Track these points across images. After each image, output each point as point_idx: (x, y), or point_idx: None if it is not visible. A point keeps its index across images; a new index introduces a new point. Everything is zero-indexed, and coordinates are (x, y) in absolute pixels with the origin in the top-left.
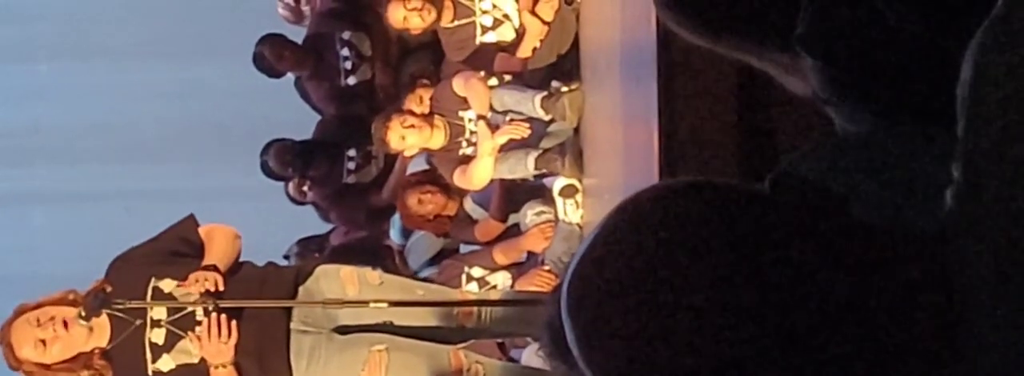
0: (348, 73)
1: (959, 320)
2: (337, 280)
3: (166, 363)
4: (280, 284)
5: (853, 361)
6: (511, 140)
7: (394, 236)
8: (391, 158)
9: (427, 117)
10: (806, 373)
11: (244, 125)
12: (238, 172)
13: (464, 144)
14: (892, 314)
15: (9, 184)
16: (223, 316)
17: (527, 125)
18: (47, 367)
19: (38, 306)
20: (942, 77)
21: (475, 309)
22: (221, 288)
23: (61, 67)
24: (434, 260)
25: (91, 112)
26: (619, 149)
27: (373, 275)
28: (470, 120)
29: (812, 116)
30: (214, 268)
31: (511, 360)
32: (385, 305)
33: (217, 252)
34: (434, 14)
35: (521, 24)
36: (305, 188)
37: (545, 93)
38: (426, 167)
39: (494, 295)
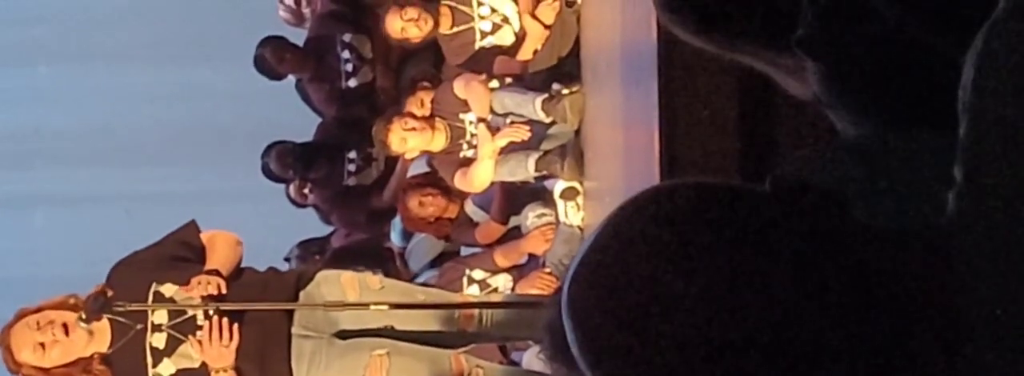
0: (349, 75)
1: (959, 321)
2: (338, 285)
3: (167, 367)
4: (281, 289)
5: (853, 362)
6: (512, 142)
7: (395, 238)
8: (392, 160)
9: (428, 119)
10: (806, 374)
11: (245, 127)
12: (239, 174)
13: (465, 146)
14: (892, 315)
15: (10, 187)
16: (225, 319)
17: (528, 127)
18: (46, 371)
19: (38, 310)
20: (942, 79)
21: (476, 313)
22: (223, 291)
23: (62, 70)
24: (435, 262)
25: (92, 115)
26: (620, 151)
27: (374, 280)
28: (471, 123)
29: (813, 118)
30: (216, 273)
31: (512, 363)
32: (386, 307)
33: (219, 258)
34: (431, 24)
35: (521, 27)
36: (306, 190)
37: (546, 95)
38: (427, 169)
39: (495, 298)
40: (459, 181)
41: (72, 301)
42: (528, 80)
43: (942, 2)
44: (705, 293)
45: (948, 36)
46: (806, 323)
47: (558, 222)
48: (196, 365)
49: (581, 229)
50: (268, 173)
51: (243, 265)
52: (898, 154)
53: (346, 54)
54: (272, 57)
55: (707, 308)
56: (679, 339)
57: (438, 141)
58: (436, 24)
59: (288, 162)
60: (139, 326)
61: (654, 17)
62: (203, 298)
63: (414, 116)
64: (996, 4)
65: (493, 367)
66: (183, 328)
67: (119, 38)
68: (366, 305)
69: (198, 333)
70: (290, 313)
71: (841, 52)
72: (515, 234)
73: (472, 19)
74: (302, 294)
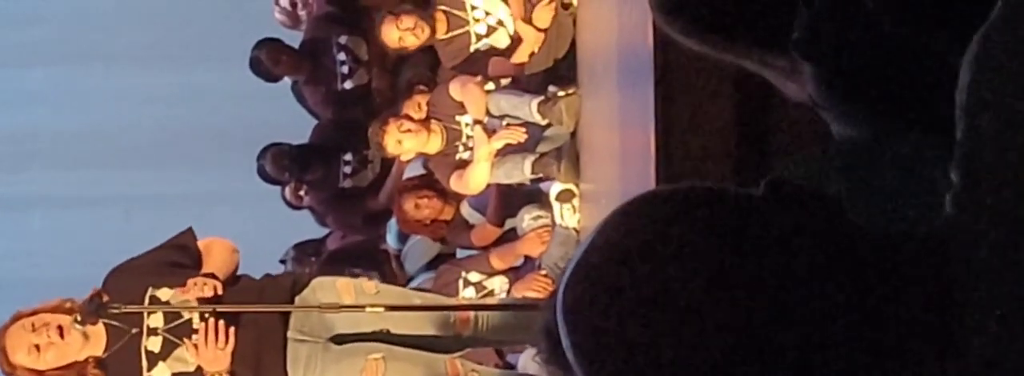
0: (345, 77)
1: (957, 323)
2: (333, 290)
3: (162, 371)
4: (277, 294)
5: (851, 363)
6: (508, 145)
7: (391, 241)
8: (388, 162)
9: (424, 122)
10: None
11: (241, 129)
12: (235, 176)
13: (461, 149)
14: (889, 317)
15: (7, 189)
16: (221, 323)
17: (524, 130)
18: (41, 373)
19: (34, 313)
20: (938, 82)
21: (472, 318)
22: (220, 294)
23: (59, 72)
24: (431, 265)
25: (89, 117)
26: (616, 153)
27: (370, 285)
28: (467, 125)
29: (809, 121)
30: (212, 276)
31: (508, 366)
32: (382, 309)
33: (216, 263)
34: (428, 31)
35: (516, 32)
36: (301, 192)
37: (542, 98)
38: (423, 172)
39: (491, 301)
40: (455, 183)
41: (68, 305)
42: (524, 82)
43: (938, 5)
44: (701, 296)
45: (944, 39)
46: (803, 325)
47: (554, 224)
48: (191, 369)
49: (577, 231)
50: (264, 175)
51: (240, 272)
52: (893, 157)
53: (342, 56)
54: (268, 59)
55: (703, 311)
56: (674, 341)
57: (434, 143)
58: (433, 31)
59: (284, 164)
60: (134, 330)
61: (650, 19)
62: (199, 300)
63: (410, 118)
64: (992, 7)
65: (489, 371)
66: (179, 332)
67: (116, 40)
68: (362, 307)
69: (193, 336)
70: (286, 317)
71: (837, 54)
72: (511, 236)
73: (467, 23)
74: (297, 299)
